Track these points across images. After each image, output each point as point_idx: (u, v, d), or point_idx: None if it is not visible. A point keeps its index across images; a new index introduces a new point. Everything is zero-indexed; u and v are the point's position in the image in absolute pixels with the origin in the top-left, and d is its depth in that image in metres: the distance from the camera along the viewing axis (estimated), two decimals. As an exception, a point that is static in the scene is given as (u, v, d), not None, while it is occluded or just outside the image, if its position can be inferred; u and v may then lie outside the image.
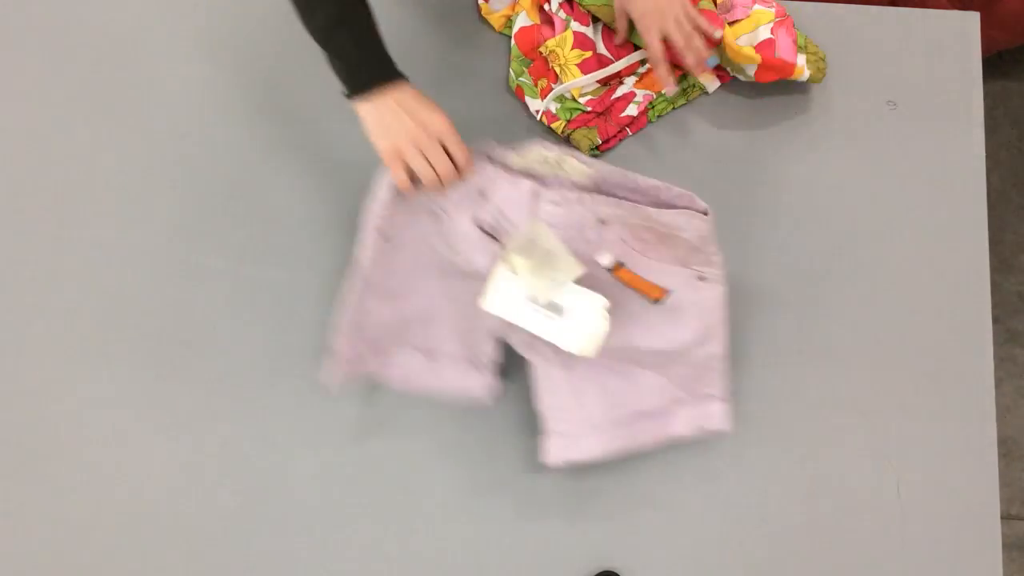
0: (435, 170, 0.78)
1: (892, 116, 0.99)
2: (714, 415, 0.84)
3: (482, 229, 0.83)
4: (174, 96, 1.01)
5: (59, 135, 0.99)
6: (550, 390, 0.84)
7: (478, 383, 0.86)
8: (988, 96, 1.76)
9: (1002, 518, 1.49)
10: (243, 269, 0.94)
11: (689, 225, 0.81)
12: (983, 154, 0.98)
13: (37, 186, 0.97)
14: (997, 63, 1.78)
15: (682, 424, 0.84)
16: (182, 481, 0.87)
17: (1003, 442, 1.56)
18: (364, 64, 0.76)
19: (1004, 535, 1.50)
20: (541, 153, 0.82)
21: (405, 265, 0.85)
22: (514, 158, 0.83)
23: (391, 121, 0.76)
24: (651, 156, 0.98)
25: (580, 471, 0.86)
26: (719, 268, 0.84)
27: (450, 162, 0.79)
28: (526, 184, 0.83)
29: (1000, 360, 1.60)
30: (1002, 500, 1.52)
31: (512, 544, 0.85)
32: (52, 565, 0.85)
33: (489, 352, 0.86)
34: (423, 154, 0.77)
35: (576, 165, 0.82)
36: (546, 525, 0.85)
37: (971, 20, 1.03)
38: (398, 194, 0.81)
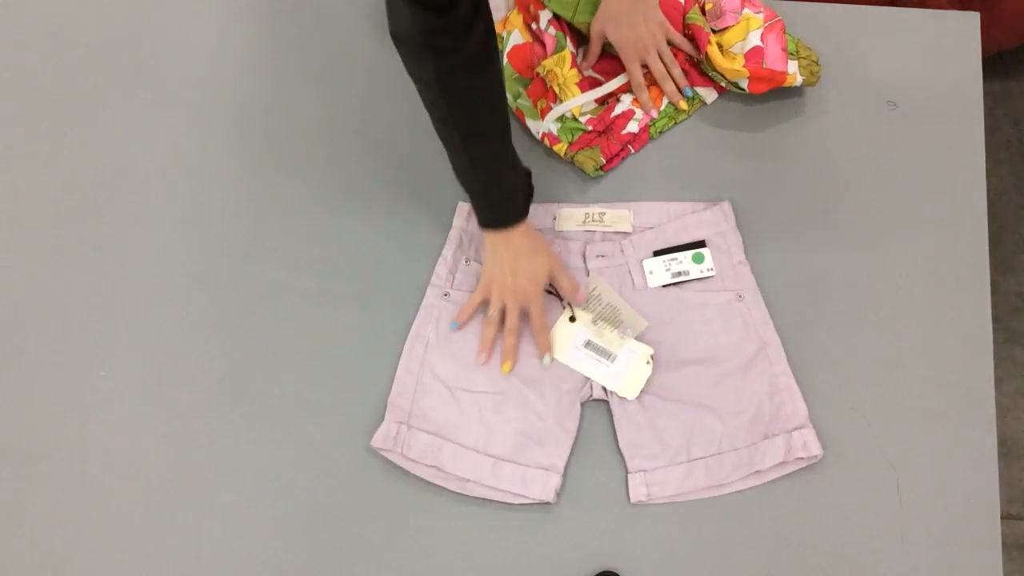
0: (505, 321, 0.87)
1: (892, 116, 0.99)
2: (804, 442, 0.84)
3: (543, 289, 0.90)
4: (178, 96, 1.01)
5: (60, 135, 0.99)
6: (630, 429, 0.86)
7: (540, 486, 0.84)
8: (988, 96, 1.76)
9: (1002, 518, 1.49)
10: (245, 269, 0.94)
11: (714, 219, 0.91)
12: (983, 154, 0.98)
13: (38, 185, 0.97)
14: (997, 63, 1.78)
15: (772, 456, 0.84)
16: (182, 480, 0.87)
17: (1003, 442, 1.56)
18: (487, 208, 0.84)
19: (1004, 535, 1.50)
20: (582, 212, 0.93)
21: (467, 331, 0.89)
22: (561, 223, 0.93)
23: (497, 266, 0.86)
24: (654, 168, 0.98)
25: (580, 472, 0.86)
26: (751, 281, 0.90)
27: (516, 323, 0.87)
28: (575, 245, 0.92)
29: (1000, 360, 1.60)
30: (1002, 500, 1.52)
31: (512, 544, 0.85)
32: (52, 565, 0.85)
33: (558, 443, 0.85)
34: (504, 306, 0.87)
35: (616, 215, 0.92)
36: (546, 525, 0.85)
37: (971, 20, 1.03)
38: (462, 262, 0.91)
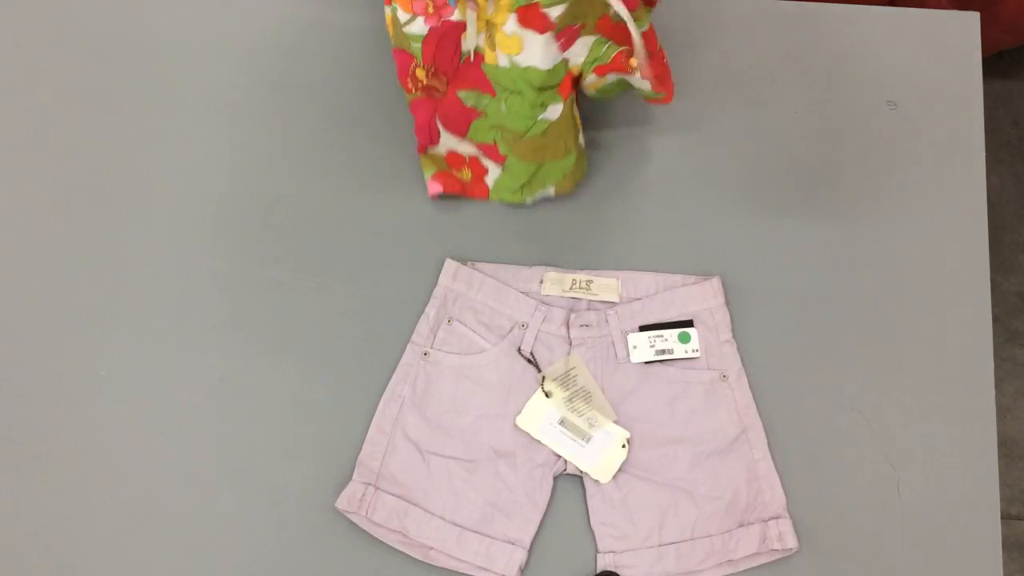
0: None
1: (892, 116, 0.99)
2: (779, 534, 0.82)
3: (524, 357, 0.88)
4: (178, 96, 1.01)
5: (59, 134, 0.99)
6: (603, 507, 0.84)
7: (504, 560, 0.82)
8: (988, 96, 1.77)
9: (1002, 518, 1.49)
10: (244, 270, 0.94)
11: (704, 294, 0.89)
12: (983, 154, 0.98)
13: (37, 185, 0.97)
14: (997, 63, 1.78)
15: (746, 546, 0.82)
16: (182, 481, 0.87)
17: (1003, 442, 1.56)
18: None
19: (1004, 535, 1.50)
20: (570, 277, 0.91)
21: (444, 393, 0.87)
22: (547, 287, 0.90)
23: None
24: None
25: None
26: (737, 361, 0.88)
27: None
28: (559, 313, 0.90)
29: (1000, 360, 1.60)
30: (1002, 500, 1.52)
31: (512, 544, 0.85)
32: (52, 565, 0.85)
33: (526, 517, 0.84)
34: None
35: (604, 283, 0.90)
36: (546, 525, 0.85)
37: (971, 20, 1.03)
38: (444, 321, 0.89)
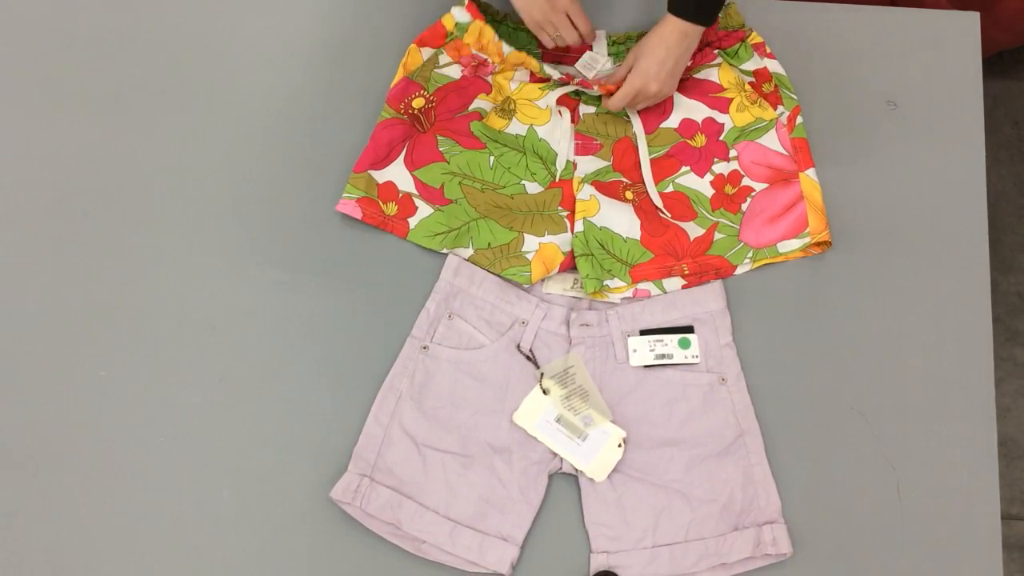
0: (564, 36, 0.93)
1: (892, 116, 0.99)
2: (773, 539, 0.82)
3: (523, 354, 0.89)
4: (179, 97, 1.01)
5: (61, 134, 0.99)
6: (597, 507, 0.84)
7: (496, 556, 0.82)
8: (988, 96, 1.76)
9: (1002, 518, 1.49)
10: (244, 270, 0.94)
11: (705, 297, 0.90)
12: (983, 154, 0.98)
13: (39, 184, 0.97)
14: (997, 63, 1.78)
15: (740, 550, 0.82)
16: (182, 480, 0.87)
17: (1003, 442, 1.56)
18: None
19: (1004, 535, 1.50)
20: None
21: (442, 387, 0.87)
22: (549, 284, 0.92)
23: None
24: None
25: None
26: (736, 365, 0.88)
27: (575, 33, 0.92)
28: (559, 311, 0.90)
29: (1000, 360, 1.60)
30: (1002, 500, 1.52)
31: (512, 544, 0.85)
32: (52, 565, 0.85)
33: (520, 514, 0.84)
34: (554, 25, 0.91)
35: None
36: (540, 523, 0.85)
37: (971, 20, 1.03)
38: (444, 316, 0.90)
